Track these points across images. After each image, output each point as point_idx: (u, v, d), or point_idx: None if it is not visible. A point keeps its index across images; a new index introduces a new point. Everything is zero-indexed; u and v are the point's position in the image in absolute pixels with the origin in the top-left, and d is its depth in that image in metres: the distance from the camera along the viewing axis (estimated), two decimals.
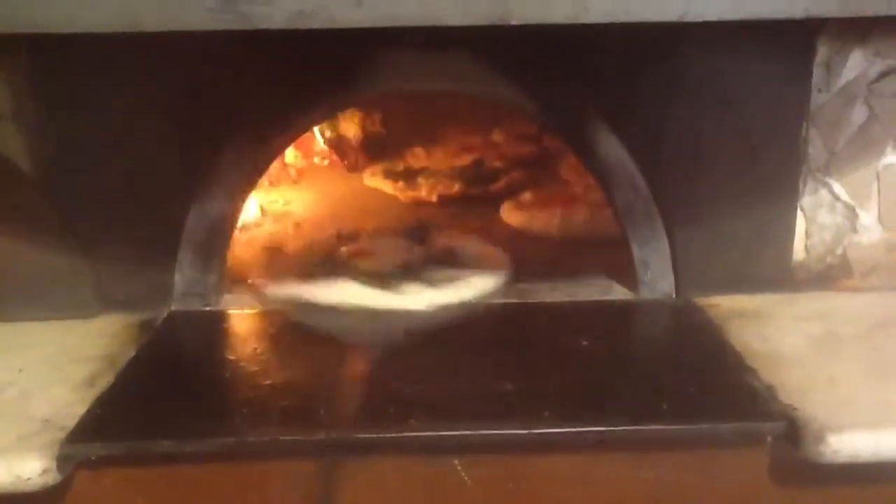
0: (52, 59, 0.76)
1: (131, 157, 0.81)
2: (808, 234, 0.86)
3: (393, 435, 0.63)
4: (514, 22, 0.55)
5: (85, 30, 0.58)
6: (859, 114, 0.83)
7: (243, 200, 0.89)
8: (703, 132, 0.82)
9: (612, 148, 0.83)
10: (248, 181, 0.87)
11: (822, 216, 0.86)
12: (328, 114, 1.10)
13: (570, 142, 0.87)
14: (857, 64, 0.81)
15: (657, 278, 0.86)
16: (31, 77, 0.77)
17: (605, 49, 0.79)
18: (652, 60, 0.80)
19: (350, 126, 1.40)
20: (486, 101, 0.91)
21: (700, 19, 0.58)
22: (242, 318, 0.84)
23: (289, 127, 0.86)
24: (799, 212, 0.85)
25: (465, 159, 1.34)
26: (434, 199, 1.20)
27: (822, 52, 0.81)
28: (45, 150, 0.79)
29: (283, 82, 0.81)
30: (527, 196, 1.15)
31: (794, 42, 0.81)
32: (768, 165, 0.84)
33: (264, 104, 0.81)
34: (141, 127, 0.80)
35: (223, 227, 0.86)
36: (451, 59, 0.81)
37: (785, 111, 0.83)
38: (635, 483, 0.66)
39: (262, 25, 0.54)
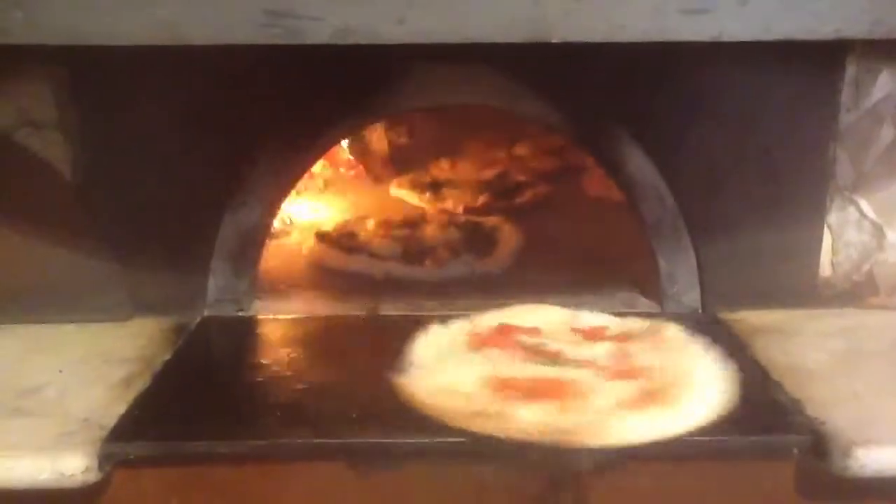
0: (95, 70, 0.79)
1: (168, 166, 0.83)
2: (834, 251, 0.87)
3: (423, 441, 0.64)
4: (553, 40, 0.57)
5: (135, 42, 0.60)
6: (887, 133, 0.84)
7: (276, 210, 0.91)
8: (730, 149, 0.83)
9: (640, 164, 0.84)
10: (281, 191, 0.89)
11: (848, 234, 0.86)
12: (359, 127, 1.12)
13: (598, 157, 0.88)
14: (885, 83, 0.82)
15: (683, 292, 0.87)
16: (74, 87, 0.79)
17: (634, 66, 0.80)
18: (682, 78, 0.81)
19: (377, 138, 1.42)
20: (514, 116, 0.92)
21: (734, 39, 0.60)
22: (274, 324, 0.86)
23: (321, 139, 0.88)
24: (826, 229, 0.86)
25: (490, 172, 1.36)
26: (460, 210, 1.21)
27: (851, 71, 0.82)
28: (86, 157, 0.81)
29: (316, 96, 0.83)
30: None
31: (823, 61, 0.82)
32: (795, 183, 0.84)
33: (298, 117, 0.83)
34: (178, 137, 0.82)
35: (256, 236, 0.88)
36: (482, 74, 0.82)
37: (813, 129, 0.84)
38: (663, 495, 0.67)
39: (309, 40, 0.56)
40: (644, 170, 0.85)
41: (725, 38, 0.60)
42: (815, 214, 0.86)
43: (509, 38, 0.57)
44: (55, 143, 0.80)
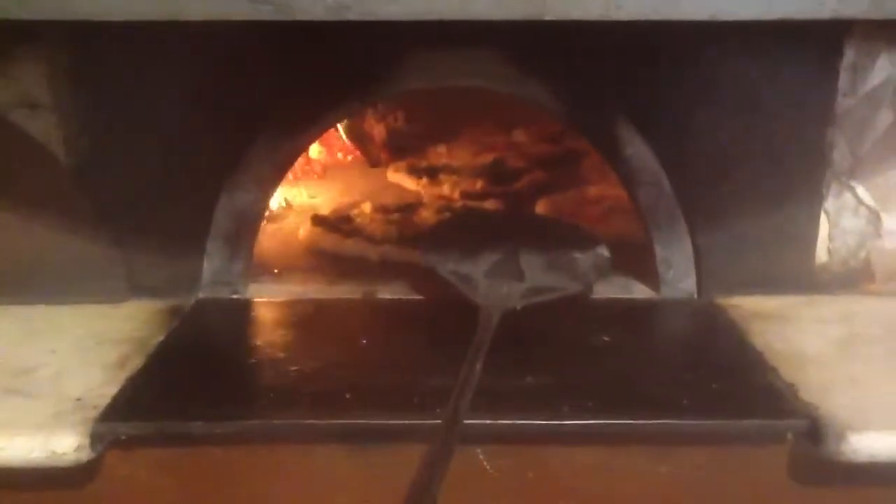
0: (92, 52, 0.78)
1: (163, 148, 0.83)
2: (831, 238, 0.86)
3: (418, 422, 0.64)
4: (547, 18, 0.56)
5: (127, 18, 0.59)
6: (884, 118, 0.83)
7: (271, 193, 0.91)
8: (728, 134, 0.83)
9: (637, 149, 0.84)
10: (276, 174, 0.89)
11: (845, 219, 0.86)
12: (355, 109, 1.11)
13: (596, 142, 0.88)
14: (883, 68, 0.82)
15: (679, 278, 0.86)
16: (71, 69, 0.79)
17: (633, 51, 0.79)
18: (679, 63, 0.81)
19: (373, 123, 1.41)
20: (511, 101, 0.91)
21: (731, 19, 0.59)
22: (269, 307, 0.86)
23: (316, 122, 0.87)
24: (822, 215, 0.86)
25: (487, 158, 1.35)
26: (456, 195, 1.21)
27: (850, 56, 0.81)
28: (80, 140, 0.81)
29: (311, 78, 0.82)
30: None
31: (820, 46, 0.81)
32: (792, 168, 0.84)
33: (293, 99, 0.83)
34: (173, 119, 0.82)
35: (251, 219, 0.87)
36: (479, 57, 0.82)
37: (810, 115, 0.83)
38: (655, 477, 0.67)
39: (303, 17, 0.55)
40: (641, 155, 0.84)
41: (722, 18, 0.59)
42: (813, 200, 0.85)
43: (503, 15, 0.57)
44: (51, 124, 0.79)
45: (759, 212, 0.85)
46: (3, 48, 0.76)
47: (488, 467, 0.65)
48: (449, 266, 0.84)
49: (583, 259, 0.87)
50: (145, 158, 0.83)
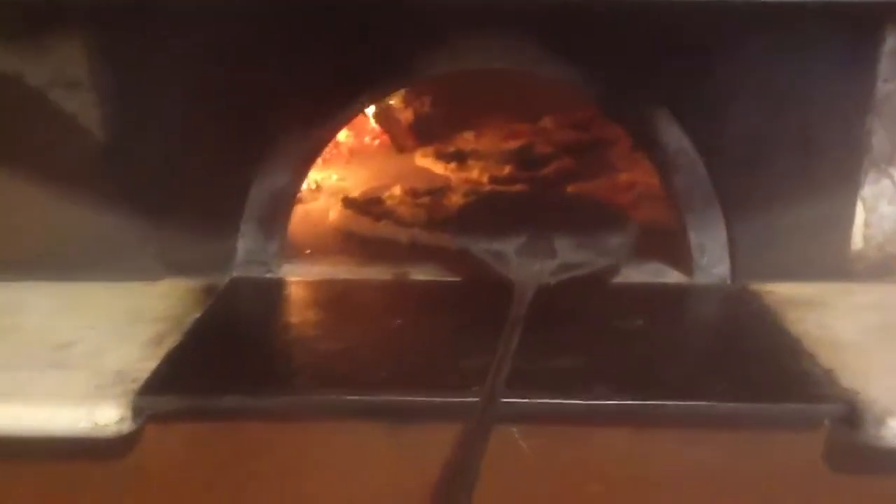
0: (129, 32, 0.79)
1: (198, 129, 0.83)
2: (867, 224, 0.86)
3: (455, 399, 0.64)
4: None
5: None
6: None
7: (304, 175, 0.91)
8: (765, 121, 0.82)
9: (673, 135, 0.83)
10: (308, 157, 0.90)
11: (882, 207, 0.85)
12: (386, 94, 1.12)
13: (630, 128, 0.87)
14: None
15: (713, 263, 0.86)
16: (109, 48, 0.79)
17: (668, 36, 0.79)
18: (714, 48, 0.80)
19: (401, 107, 1.42)
20: (545, 84, 0.91)
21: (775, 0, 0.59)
22: (303, 286, 0.86)
23: (347, 106, 0.87)
24: (859, 201, 0.85)
25: (515, 144, 1.35)
26: (485, 180, 1.21)
27: (891, 41, 0.80)
28: (116, 118, 0.81)
29: (342, 63, 0.82)
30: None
31: (860, 31, 0.80)
32: (829, 155, 0.83)
33: (325, 84, 0.83)
34: (208, 100, 0.82)
35: (284, 200, 0.88)
36: (513, 40, 0.82)
37: (848, 101, 0.82)
38: (688, 461, 0.67)
39: None
40: (677, 140, 0.84)
41: None
42: (849, 187, 0.84)
43: None
44: (88, 103, 0.80)
45: (795, 198, 0.84)
46: (39, 27, 0.77)
47: (525, 446, 0.65)
48: (480, 246, 0.84)
49: (613, 236, 0.87)
50: (180, 139, 0.83)
